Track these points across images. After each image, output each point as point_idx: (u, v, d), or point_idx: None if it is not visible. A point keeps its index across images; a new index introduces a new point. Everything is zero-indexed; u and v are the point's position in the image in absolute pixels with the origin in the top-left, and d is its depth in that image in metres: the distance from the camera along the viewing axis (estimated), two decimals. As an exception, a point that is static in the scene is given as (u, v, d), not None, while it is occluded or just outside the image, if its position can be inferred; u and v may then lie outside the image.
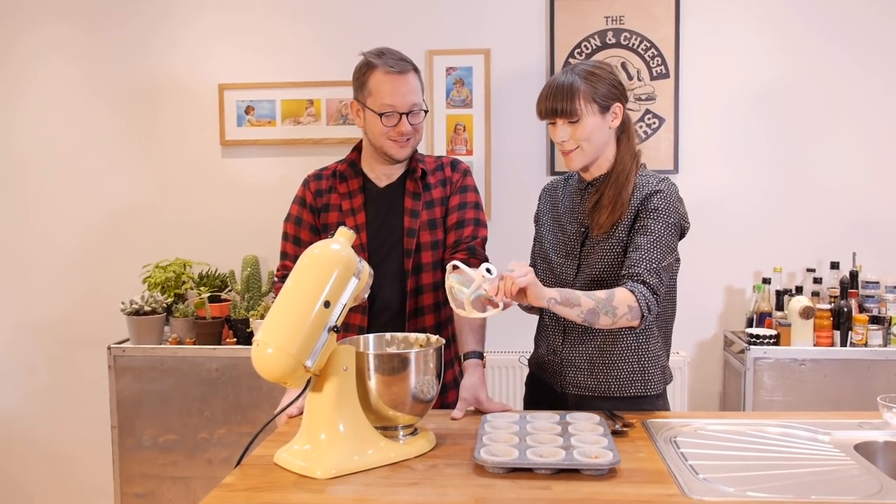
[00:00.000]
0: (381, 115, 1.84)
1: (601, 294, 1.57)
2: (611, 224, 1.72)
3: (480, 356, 1.82)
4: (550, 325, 1.84)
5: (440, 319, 1.96)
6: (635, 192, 1.73)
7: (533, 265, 1.96)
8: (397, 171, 1.96)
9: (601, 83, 1.70)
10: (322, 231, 1.96)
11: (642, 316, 1.60)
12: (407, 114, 1.84)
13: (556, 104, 1.69)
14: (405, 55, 1.89)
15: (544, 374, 1.87)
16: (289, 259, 1.97)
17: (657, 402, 1.79)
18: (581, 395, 1.78)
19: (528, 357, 1.97)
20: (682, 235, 1.75)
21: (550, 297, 1.52)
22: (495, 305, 1.49)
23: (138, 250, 3.15)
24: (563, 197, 1.88)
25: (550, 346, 1.83)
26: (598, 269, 1.73)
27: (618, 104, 1.73)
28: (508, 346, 2.94)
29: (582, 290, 1.70)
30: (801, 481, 1.31)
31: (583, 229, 1.78)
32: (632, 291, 1.60)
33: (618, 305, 1.57)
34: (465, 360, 1.82)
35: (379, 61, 1.85)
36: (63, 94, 3.20)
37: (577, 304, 1.54)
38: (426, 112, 1.91)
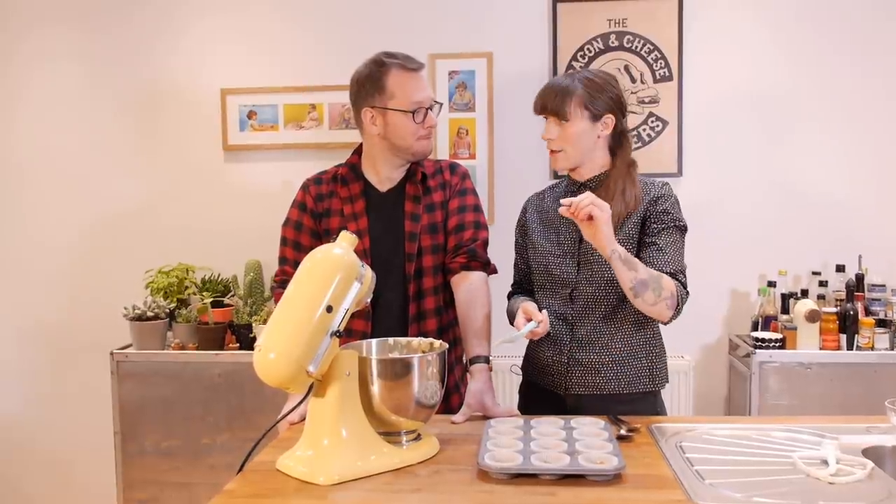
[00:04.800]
0: (413, 112, 1.85)
1: (653, 271, 1.61)
2: (616, 214, 1.71)
3: (487, 360, 1.80)
4: (556, 325, 1.81)
5: (442, 324, 1.95)
6: (643, 195, 1.76)
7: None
8: (398, 175, 1.96)
9: (599, 93, 1.74)
10: (323, 236, 1.94)
11: (675, 308, 1.64)
12: (429, 108, 1.89)
13: (546, 101, 1.76)
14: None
15: (546, 377, 1.85)
16: (288, 264, 1.95)
17: (656, 401, 1.82)
18: (587, 394, 1.77)
19: (519, 367, 1.96)
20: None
21: (614, 248, 1.55)
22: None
23: (141, 255, 3.15)
24: (551, 202, 1.88)
25: (556, 346, 1.82)
26: (601, 265, 1.73)
27: (610, 115, 1.76)
28: (506, 350, 2.91)
29: (586, 289, 1.76)
30: (808, 486, 1.30)
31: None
32: (676, 281, 1.65)
33: (664, 287, 1.61)
34: (471, 364, 1.80)
35: (393, 61, 1.87)
36: (64, 99, 3.21)
37: (635, 269, 1.58)
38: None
